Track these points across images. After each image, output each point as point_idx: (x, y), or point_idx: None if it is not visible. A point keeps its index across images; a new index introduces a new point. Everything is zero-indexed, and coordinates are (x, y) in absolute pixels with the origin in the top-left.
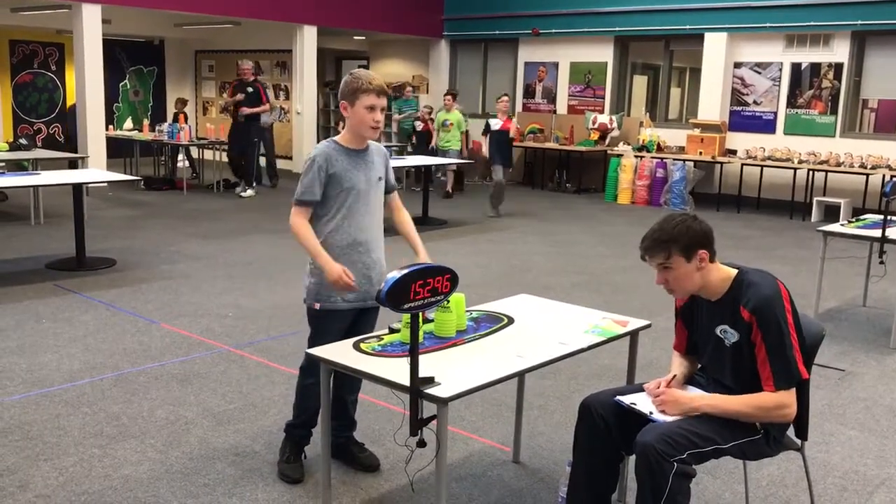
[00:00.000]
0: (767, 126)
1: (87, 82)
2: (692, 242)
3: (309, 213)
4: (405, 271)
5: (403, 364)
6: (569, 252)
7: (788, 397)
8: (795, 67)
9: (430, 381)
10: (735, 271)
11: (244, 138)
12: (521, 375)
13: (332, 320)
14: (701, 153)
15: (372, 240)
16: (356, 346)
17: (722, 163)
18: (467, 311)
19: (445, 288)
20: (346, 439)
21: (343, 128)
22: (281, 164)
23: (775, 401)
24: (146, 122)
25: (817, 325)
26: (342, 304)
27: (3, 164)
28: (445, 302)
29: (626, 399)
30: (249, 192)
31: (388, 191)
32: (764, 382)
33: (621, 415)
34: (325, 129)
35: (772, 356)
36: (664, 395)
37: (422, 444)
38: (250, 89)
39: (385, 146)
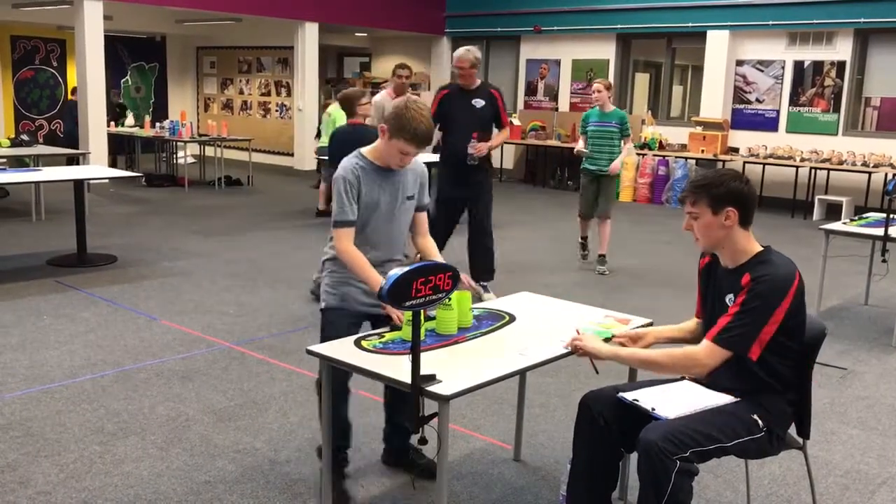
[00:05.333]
0: (770, 124)
1: (88, 78)
2: (724, 197)
3: (352, 234)
4: (407, 269)
5: (405, 361)
6: (570, 250)
7: (713, 355)
8: (798, 65)
9: (431, 378)
10: (762, 249)
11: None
12: (522, 373)
13: (343, 318)
14: (703, 151)
15: (398, 262)
16: (357, 344)
17: (724, 161)
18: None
19: (447, 286)
20: (402, 445)
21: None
22: (281, 160)
23: (692, 354)
24: (147, 118)
25: (819, 323)
26: (356, 306)
27: (4, 160)
28: (447, 299)
29: (629, 395)
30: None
31: (417, 209)
32: (711, 329)
33: (621, 412)
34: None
35: (737, 316)
36: (580, 341)
37: (423, 441)
38: (481, 102)
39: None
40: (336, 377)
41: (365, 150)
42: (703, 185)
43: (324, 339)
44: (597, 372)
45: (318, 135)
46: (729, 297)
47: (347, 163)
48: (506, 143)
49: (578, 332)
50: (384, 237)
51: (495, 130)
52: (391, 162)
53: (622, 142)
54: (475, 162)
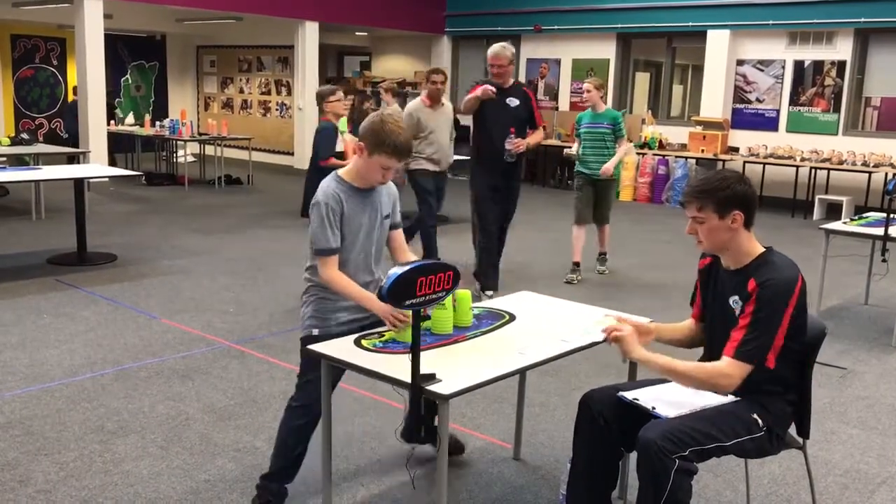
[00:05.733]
0: (770, 124)
1: (88, 77)
2: (729, 201)
3: (335, 261)
4: (408, 267)
5: (405, 361)
6: (571, 249)
7: (737, 370)
8: (798, 65)
9: (431, 377)
10: (764, 249)
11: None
12: (522, 372)
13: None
14: (703, 151)
15: (376, 281)
16: (357, 343)
17: (724, 160)
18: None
19: (447, 284)
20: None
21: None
22: (281, 160)
23: (721, 371)
24: (147, 117)
25: (819, 323)
26: (343, 329)
27: (4, 158)
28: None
29: (629, 394)
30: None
31: (392, 227)
32: (728, 345)
33: (621, 411)
34: None
35: (751, 328)
36: (619, 332)
37: (423, 441)
38: (516, 101)
39: None
40: (319, 408)
41: (341, 172)
42: (708, 190)
43: (307, 369)
44: (623, 361)
45: None
46: (733, 300)
47: (327, 187)
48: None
49: (620, 321)
50: (366, 259)
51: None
52: (373, 179)
53: (616, 143)
54: (513, 159)
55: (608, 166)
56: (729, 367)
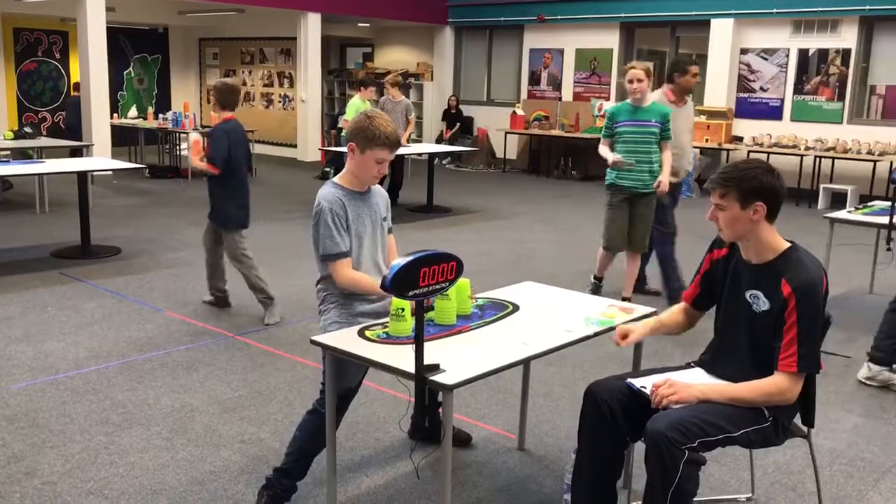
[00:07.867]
0: (774, 113)
1: (91, 70)
2: (754, 191)
3: (349, 263)
4: (411, 258)
5: (409, 351)
6: (574, 240)
7: (797, 384)
8: (802, 53)
9: (435, 368)
10: (788, 244)
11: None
12: (526, 363)
13: None
14: (707, 140)
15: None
16: (361, 334)
17: (728, 150)
18: (473, 297)
19: (450, 275)
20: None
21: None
22: (284, 152)
23: (779, 387)
24: (150, 110)
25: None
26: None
27: (7, 152)
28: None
29: (637, 382)
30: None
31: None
32: (785, 360)
33: (626, 401)
34: (330, 116)
35: (802, 339)
36: (669, 398)
37: (425, 435)
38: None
39: None
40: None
41: (337, 178)
42: (733, 178)
43: (327, 377)
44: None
45: (334, 125)
46: (751, 294)
47: (328, 194)
48: (509, 132)
49: (624, 332)
50: (374, 262)
51: None
52: (369, 175)
53: (660, 147)
54: None
55: (665, 181)
56: (790, 382)
